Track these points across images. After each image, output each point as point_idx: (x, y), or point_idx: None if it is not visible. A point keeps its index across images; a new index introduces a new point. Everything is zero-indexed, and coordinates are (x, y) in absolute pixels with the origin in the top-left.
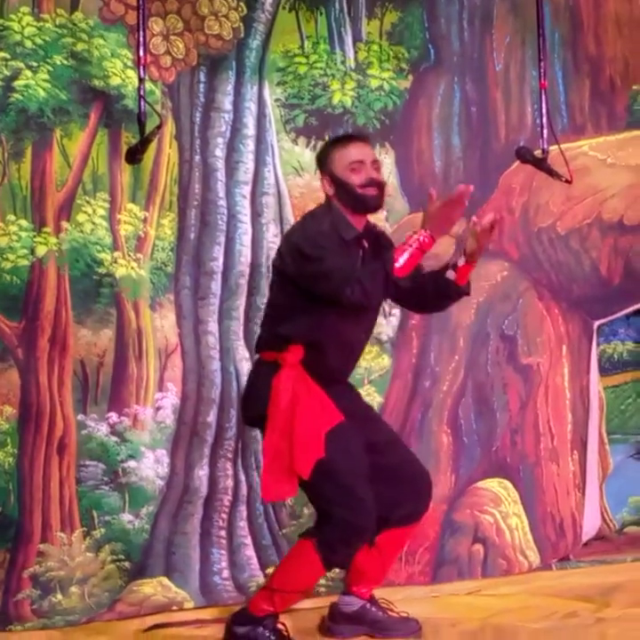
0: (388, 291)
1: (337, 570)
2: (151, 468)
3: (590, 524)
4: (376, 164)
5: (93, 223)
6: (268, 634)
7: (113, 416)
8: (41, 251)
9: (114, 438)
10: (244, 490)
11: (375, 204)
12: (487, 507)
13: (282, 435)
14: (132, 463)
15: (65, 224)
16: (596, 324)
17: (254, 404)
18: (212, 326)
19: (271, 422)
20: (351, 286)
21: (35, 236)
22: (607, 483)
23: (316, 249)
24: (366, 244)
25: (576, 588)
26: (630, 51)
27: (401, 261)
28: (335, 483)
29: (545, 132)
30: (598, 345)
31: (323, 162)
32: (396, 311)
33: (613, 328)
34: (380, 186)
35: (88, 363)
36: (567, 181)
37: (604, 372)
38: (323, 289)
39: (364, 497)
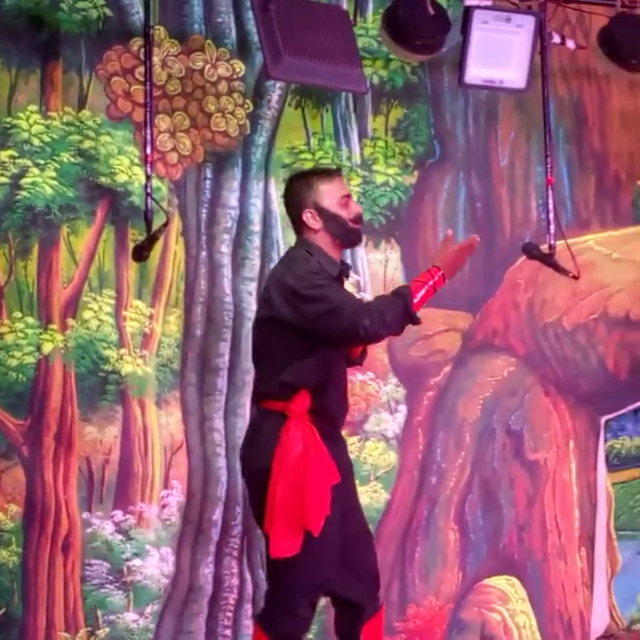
0: (404, 325)
1: None
2: (156, 566)
3: (599, 622)
4: None
5: (99, 320)
6: None
7: (118, 514)
8: (47, 348)
9: (119, 536)
10: (249, 588)
11: (360, 239)
12: (494, 604)
13: (292, 489)
14: (137, 562)
15: (71, 321)
16: (604, 419)
17: (259, 457)
18: (218, 423)
19: (279, 476)
20: (370, 317)
21: (41, 333)
22: (616, 580)
23: (314, 288)
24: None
25: None
26: (635, 146)
27: (418, 297)
28: (311, 546)
29: (551, 227)
30: (606, 440)
31: (305, 195)
32: (402, 407)
33: (621, 423)
34: (362, 221)
35: (94, 460)
36: (574, 277)
37: (612, 467)
38: (332, 326)
39: (323, 575)
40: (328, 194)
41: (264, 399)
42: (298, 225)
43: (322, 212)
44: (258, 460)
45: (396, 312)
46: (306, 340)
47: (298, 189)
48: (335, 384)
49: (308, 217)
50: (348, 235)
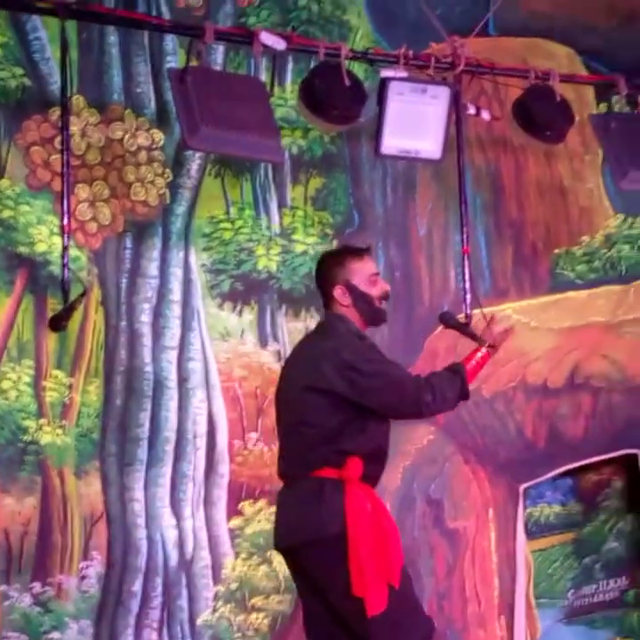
0: (459, 402)
1: None
2: (75, 639)
3: None
4: None
5: (18, 390)
6: None
7: (36, 586)
8: None
9: (37, 609)
10: None
11: (384, 319)
12: None
13: (374, 547)
14: (55, 634)
15: None
16: (523, 487)
17: (328, 524)
18: (138, 493)
19: (360, 537)
20: (432, 394)
21: None
22: None
23: (372, 363)
24: None
25: None
26: (551, 215)
27: (470, 374)
28: (398, 600)
29: (468, 296)
30: (525, 508)
31: (336, 272)
32: None
33: (540, 491)
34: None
35: (12, 531)
36: (490, 346)
37: (531, 535)
38: (392, 401)
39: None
40: (358, 272)
41: (315, 467)
42: (329, 300)
43: (351, 290)
44: (327, 527)
45: (455, 389)
46: (360, 410)
47: (330, 266)
48: (385, 451)
49: (339, 293)
50: (373, 314)
